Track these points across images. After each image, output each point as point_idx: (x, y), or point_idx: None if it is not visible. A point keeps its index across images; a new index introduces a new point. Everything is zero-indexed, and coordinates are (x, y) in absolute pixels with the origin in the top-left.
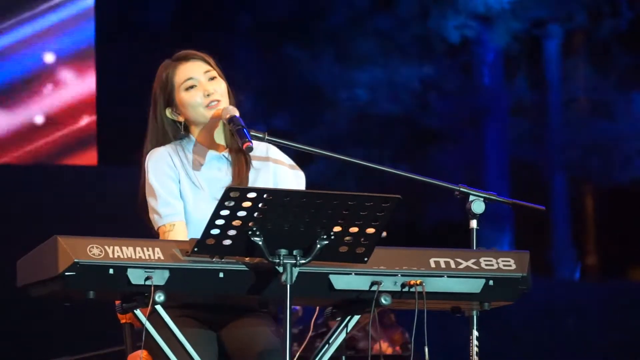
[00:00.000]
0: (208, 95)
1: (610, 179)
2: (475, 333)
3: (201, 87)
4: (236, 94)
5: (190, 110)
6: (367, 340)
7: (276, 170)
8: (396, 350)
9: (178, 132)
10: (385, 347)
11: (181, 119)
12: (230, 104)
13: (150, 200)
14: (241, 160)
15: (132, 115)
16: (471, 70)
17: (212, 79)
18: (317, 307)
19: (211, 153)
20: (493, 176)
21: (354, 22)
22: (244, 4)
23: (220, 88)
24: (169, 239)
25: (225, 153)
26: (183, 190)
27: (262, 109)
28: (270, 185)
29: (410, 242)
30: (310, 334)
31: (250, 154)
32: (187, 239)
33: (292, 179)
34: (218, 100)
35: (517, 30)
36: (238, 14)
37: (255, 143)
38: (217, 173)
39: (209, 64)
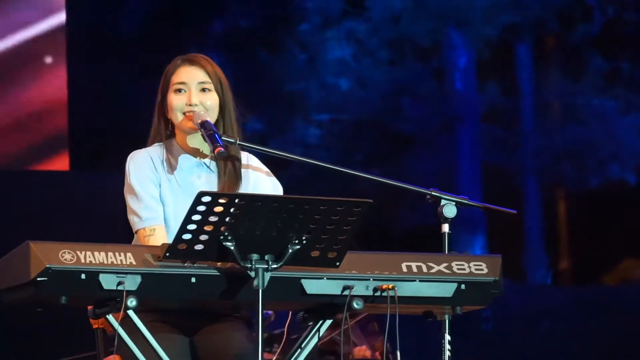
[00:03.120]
0: (189, 104)
1: (583, 184)
2: (447, 337)
3: (188, 94)
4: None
5: (171, 113)
6: (348, 345)
7: (256, 179)
8: (376, 356)
9: (163, 131)
10: (364, 350)
11: (169, 116)
12: (225, 118)
13: (131, 202)
14: (231, 173)
15: (103, 121)
16: (443, 75)
17: (204, 90)
18: (290, 313)
19: (192, 159)
20: (465, 181)
21: (326, 26)
22: (215, 10)
23: (209, 101)
24: (149, 243)
25: (207, 161)
26: (162, 194)
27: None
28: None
29: (382, 246)
30: (284, 338)
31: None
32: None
33: (270, 187)
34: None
35: (489, 35)
36: (209, 20)
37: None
38: (196, 180)
39: (209, 74)
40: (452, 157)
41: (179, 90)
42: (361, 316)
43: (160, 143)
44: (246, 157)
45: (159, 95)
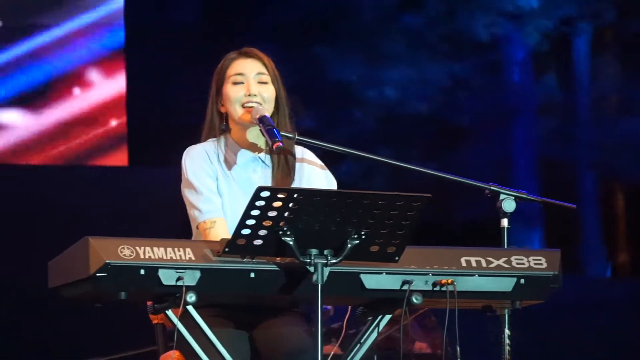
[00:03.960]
0: (249, 95)
1: None
2: (507, 332)
3: (247, 85)
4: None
5: (228, 104)
6: (406, 341)
7: (310, 172)
8: (437, 353)
9: (217, 126)
10: (425, 348)
11: (223, 110)
12: (280, 112)
13: (190, 196)
14: (285, 167)
15: (162, 115)
16: (500, 68)
17: (262, 82)
18: (350, 307)
19: (247, 154)
20: (522, 175)
21: (382, 20)
22: (271, 3)
23: (266, 93)
24: (209, 235)
25: (262, 155)
26: (219, 189)
27: (291, 109)
28: (303, 186)
29: (440, 241)
30: (343, 333)
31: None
32: (228, 236)
33: (323, 181)
34: (258, 103)
35: (546, 28)
36: (265, 14)
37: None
38: (252, 175)
39: (266, 67)
40: (509, 150)
41: (237, 82)
42: (419, 312)
43: (215, 138)
44: (301, 151)
45: (212, 89)
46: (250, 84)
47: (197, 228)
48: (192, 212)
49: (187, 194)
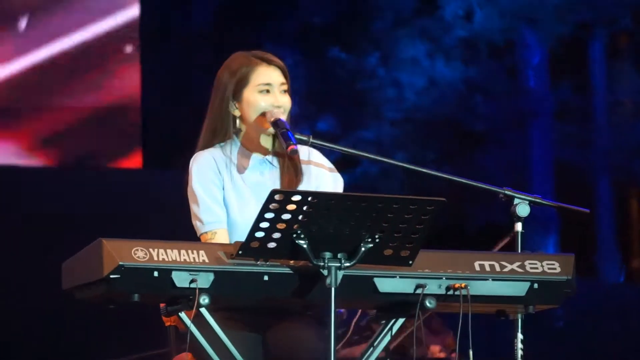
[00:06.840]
0: (277, 107)
1: None
2: (520, 336)
3: (274, 96)
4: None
5: (252, 112)
6: (420, 347)
7: (317, 174)
8: (451, 357)
9: (230, 128)
10: (437, 351)
11: (237, 113)
12: (287, 118)
13: (193, 207)
14: (290, 168)
15: (176, 118)
16: (516, 73)
17: (284, 92)
18: (359, 310)
19: (255, 157)
20: (538, 179)
21: (399, 24)
22: (288, 7)
23: (287, 103)
24: None
25: (269, 157)
26: (227, 195)
27: (308, 112)
28: (310, 189)
29: (454, 245)
30: (348, 335)
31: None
32: None
33: (330, 182)
34: (279, 110)
35: (562, 33)
36: (282, 18)
37: (298, 147)
38: (260, 177)
39: (285, 76)
40: (525, 155)
41: (266, 92)
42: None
43: (222, 143)
44: (307, 152)
45: (227, 90)
46: (277, 95)
47: (200, 238)
48: (195, 223)
49: (191, 204)
